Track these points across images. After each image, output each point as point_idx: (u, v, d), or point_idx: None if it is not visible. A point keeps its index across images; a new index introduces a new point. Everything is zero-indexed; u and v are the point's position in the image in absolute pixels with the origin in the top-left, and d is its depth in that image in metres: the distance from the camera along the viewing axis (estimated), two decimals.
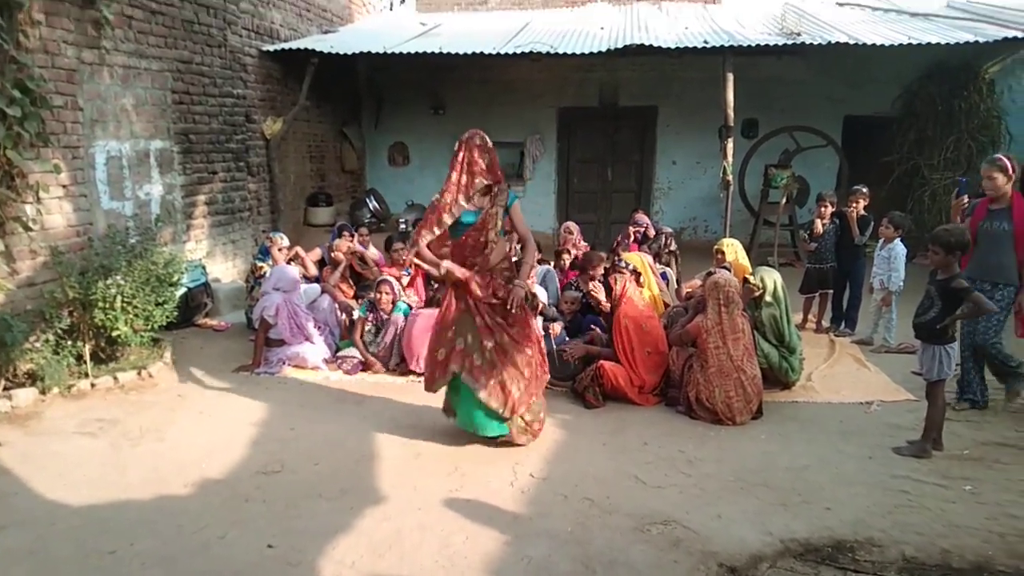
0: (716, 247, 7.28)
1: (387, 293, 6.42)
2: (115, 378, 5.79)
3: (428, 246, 4.52)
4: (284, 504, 3.99)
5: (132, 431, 4.98)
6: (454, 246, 4.58)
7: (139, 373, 5.94)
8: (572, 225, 8.89)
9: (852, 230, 7.23)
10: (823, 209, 7.45)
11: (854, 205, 7.26)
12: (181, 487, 4.20)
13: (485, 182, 4.44)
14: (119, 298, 5.78)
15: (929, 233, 4.81)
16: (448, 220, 4.44)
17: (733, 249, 7.20)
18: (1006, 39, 8.77)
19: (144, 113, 7.25)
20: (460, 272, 4.48)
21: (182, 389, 5.87)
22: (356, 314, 6.62)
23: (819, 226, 7.42)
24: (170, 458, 4.58)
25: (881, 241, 7.05)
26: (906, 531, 3.70)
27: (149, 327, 6.07)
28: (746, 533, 3.70)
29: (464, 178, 4.42)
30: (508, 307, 4.48)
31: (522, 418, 4.68)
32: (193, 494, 4.14)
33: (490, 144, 4.51)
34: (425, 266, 4.72)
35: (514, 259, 4.83)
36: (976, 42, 8.71)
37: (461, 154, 4.43)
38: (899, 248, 6.88)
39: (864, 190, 7.36)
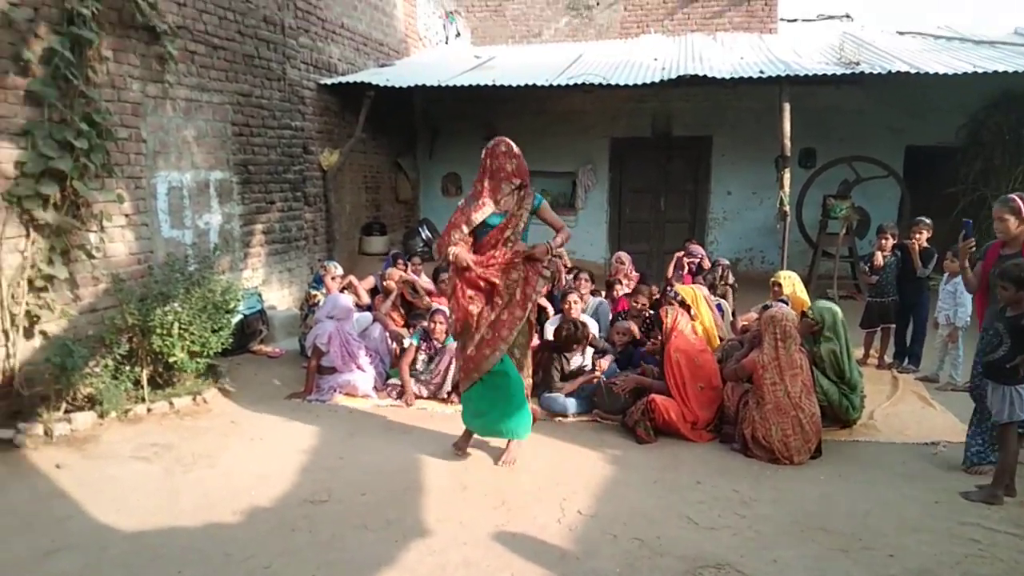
0: (773, 279, 7.14)
1: (441, 323, 6.43)
2: (171, 403, 5.88)
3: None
4: (330, 535, 3.97)
5: (185, 457, 5.04)
6: (476, 247, 4.79)
7: (194, 399, 6.03)
8: (624, 255, 8.82)
9: (915, 263, 7.00)
10: (884, 241, 7.24)
11: (917, 237, 7.04)
12: (231, 514, 4.22)
13: (513, 184, 4.66)
14: (176, 324, 5.89)
15: (999, 268, 4.61)
16: (477, 219, 4.67)
17: (791, 282, 7.04)
18: None
19: (205, 145, 7.45)
20: (467, 258, 4.69)
21: (235, 415, 5.93)
22: (407, 342, 6.63)
23: (879, 258, 7.21)
24: (221, 485, 4.62)
25: (946, 275, 6.80)
26: None
27: (205, 353, 6.16)
28: None
29: (490, 182, 4.66)
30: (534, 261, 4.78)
31: None
32: (242, 522, 4.15)
33: (516, 149, 4.72)
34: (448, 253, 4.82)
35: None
36: None
37: (488, 160, 4.67)
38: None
39: (927, 221, 7.14)
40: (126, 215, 6.37)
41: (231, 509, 4.26)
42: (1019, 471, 4.53)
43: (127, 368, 5.89)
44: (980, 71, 8.45)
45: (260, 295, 7.94)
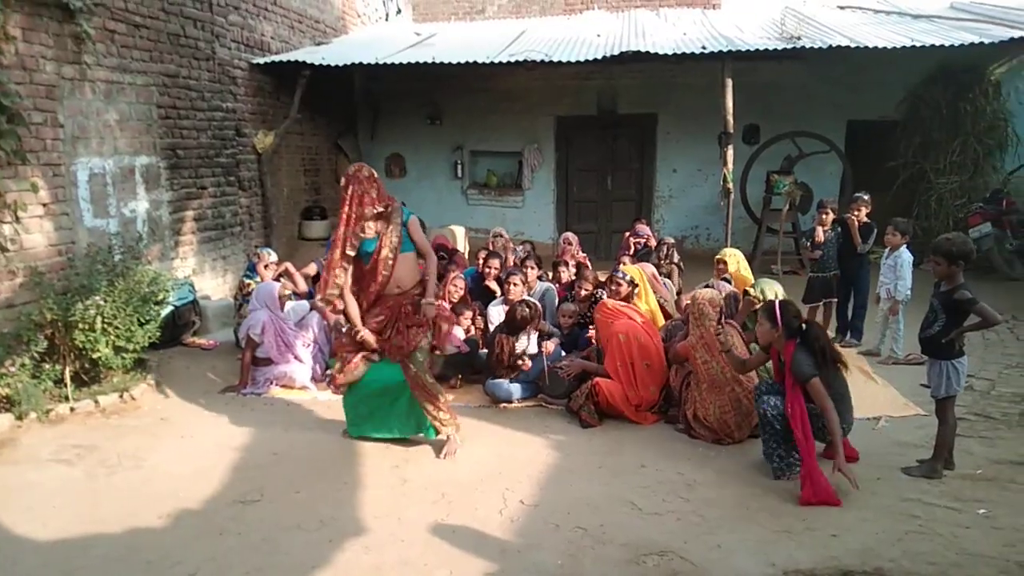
0: (718, 257, 7.10)
1: None
2: (96, 401, 5.61)
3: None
4: (260, 537, 3.79)
5: (110, 458, 4.79)
6: (363, 274, 4.75)
7: (121, 396, 5.76)
8: (571, 236, 8.71)
9: (854, 238, 7.02)
10: (824, 216, 7.25)
11: (856, 212, 7.06)
12: (155, 519, 4.01)
13: (377, 209, 4.59)
14: (99, 319, 5.61)
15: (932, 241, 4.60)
16: (351, 252, 4.63)
17: (736, 259, 7.02)
18: (1012, 40, 8.56)
19: (129, 129, 7.10)
20: (372, 340, 4.74)
21: (165, 412, 5.69)
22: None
23: (820, 234, 7.21)
24: (147, 487, 4.40)
25: (887, 249, 6.84)
26: (917, 560, 3.48)
27: (132, 348, 5.89)
28: (747, 565, 3.49)
29: (356, 210, 4.57)
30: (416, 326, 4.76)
31: None
32: (167, 527, 3.95)
33: (376, 175, 4.69)
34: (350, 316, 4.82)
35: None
36: (981, 43, 8.49)
37: (351, 188, 4.57)
38: (905, 255, 6.67)
39: (866, 197, 7.16)
40: (44, 204, 6.03)
41: (156, 513, 4.06)
42: (957, 444, 4.57)
43: (48, 366, 5.59)
44: (918, 45, 8.49)
45: (192, 285, 7.64)
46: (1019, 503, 4.03)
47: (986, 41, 8.49)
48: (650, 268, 7.29)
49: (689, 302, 5.40)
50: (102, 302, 5.67)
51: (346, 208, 4.57)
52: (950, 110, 10.45)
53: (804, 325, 4.43)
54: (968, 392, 5.59)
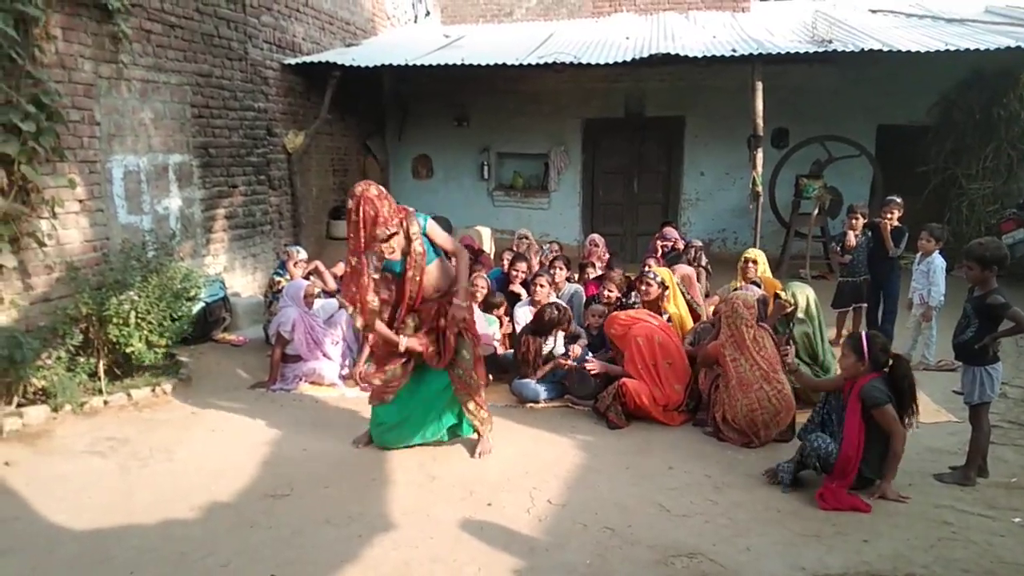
0: (746, 256, 7.04)
1: None
2: (129, 395, 5.70)
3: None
4: (290, 531, 3.83)
5: (142, 451, 4.86)
6: (395, 288, 4.58)
7: (153, 390, 5.84)
8: (597, 237, 8.71)
9: (886, 242, 6.95)
10: (854, 221, 7.19)
11: (888, 216, 6.98)
12: (187, 511, 4.06)
13: (390, 230, 4.35)
14: (133, 314, 5.69)
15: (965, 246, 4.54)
16: (376, 275, 4.42)
17: (763, 260, 6.97)
18: None
19: (163, 127, 7.20)
20: (419, 345, 4.60)
21: (196, 406, 5.75)
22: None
23: (852, 238, 7.15)
24: (178, 480, 4.45)
25: (919, 254, 6.76)
26: (950, 567, 3.44)
27: (164, 343, 5.97)
28: (776, 568, 3.47)
29: (370, 232, 4.29)
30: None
31: None
32: (199, 519, 3.99)
33: (384, 192, 4.41)
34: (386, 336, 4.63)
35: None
36: (1017, 47, 8.37)
37: (362, 210, 4.26)
38: (938, 261, 6.59)
39: (898, 200, 7.08)
40: (80, 201, 6.13)
41: (188, 505, 4.10)
42: (991, 451, 4.51)
43: (82, 359, 5.69)
44: (951, 48, 8.40)
45: (223, 282, 7.72)
46: None
47: (1023, 45, 8.37)
48: (686, 269, 7.26)
49: (721, 303, 5.37)
50: (136, 297, 5.75)
51: (361, 232, 4.28)
52: (983, 115, 10.30)
53: (892, 360, 4.28)
54: (1002, 399, 5.52)
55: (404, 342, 4.55)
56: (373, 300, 4.43)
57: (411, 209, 4.55)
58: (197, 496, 4.21)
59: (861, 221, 7.18)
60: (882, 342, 4.30)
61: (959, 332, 4.47)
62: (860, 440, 4.10)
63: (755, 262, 6.89)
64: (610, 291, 6.78)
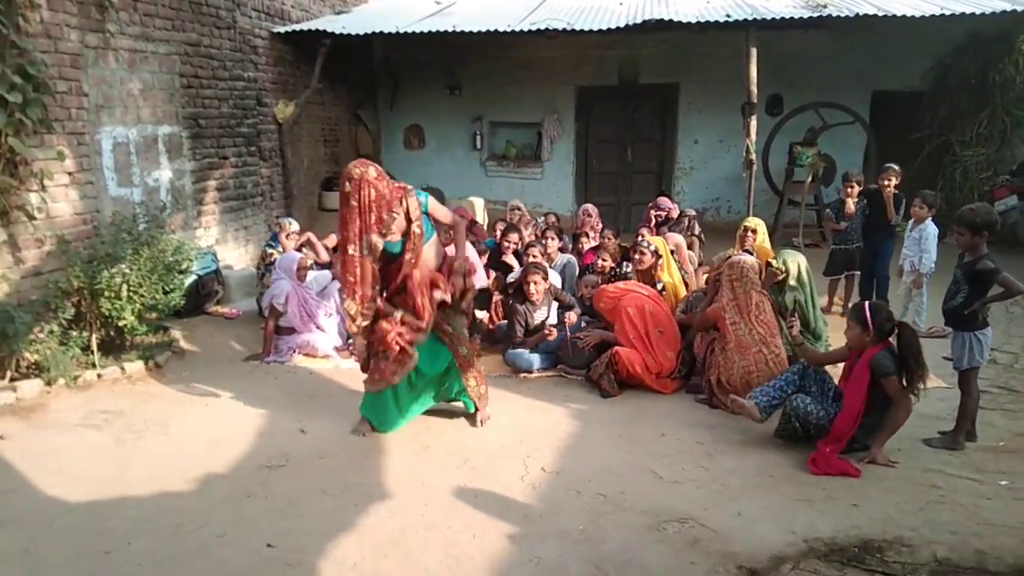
0: (746, 224, 7.01)
1: None
2: (122, 368, 5.70)
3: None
4: (286, 501, 3.86)
5: (137, 423, 4.88)
6: (387, 270, 4.41)
7: (146, 363, 5.84)
8: (591, 207, 8.70)
9: (888, 209, 6.90)
10: (850, 189, 7.16)
11: (887, 183, 6.94)
12: (183, 483, 4.09)
13: (394, 214, 4.19)
14: (125, 287, 5.66)
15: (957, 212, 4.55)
16: (377, 265, 4.26)
17: (762, 229, 6.95)
18: None
19: (152, 98, 7.12)
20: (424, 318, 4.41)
21: (190, 379, 5.76)
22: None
23: (851, 205, 7.10)
24: (174, 452, 4.48)
25: (912, 221, 6.77)
26: (938, 530, 3.49)
27: (157, 316, 5.96)
28: (768, 532, 3.52)
29: (368, 218, 4.12)
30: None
31: None
32: (194, 490, 4.02)
33: (382, 171, 4.24)
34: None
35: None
36: (1014, 11, 8.32)
37: (361, 194, 4.07)
38: (931, 228, 6.60)
39: (896, 168, 7.05)
40: (69, 173, 6.07)
41: (184, 477, 4.13)
42: (979, 416, 4.55)
43: (75, 333, 5.67)
44: (947, 13, 8.33)
45: (215, 254, 7.69)
46: None
47: (1019, 8, 8.31)
48: (677, 239, 7.26)
49: (725, 267, 5.33)
50: (128, 270, 5.72)
51: (362, 217, 4.10)
52: (978, 80, 10.25)
53: (897, 328, 4.29)
54: (991, 365, 5.56)
55: (398, 313, 4.37)
56: (371, 289, 4.26)
57: (408, 186, 4.39)
58: (192, 468, 4.23)
59: (857, 189, 7.16)
60: (886, 311, 4.32)
61: (949, 298, 4.49)
62: (862, 409, 4.14)
63: (754, 231, 6.86)
64: (604, 260, 6.79)
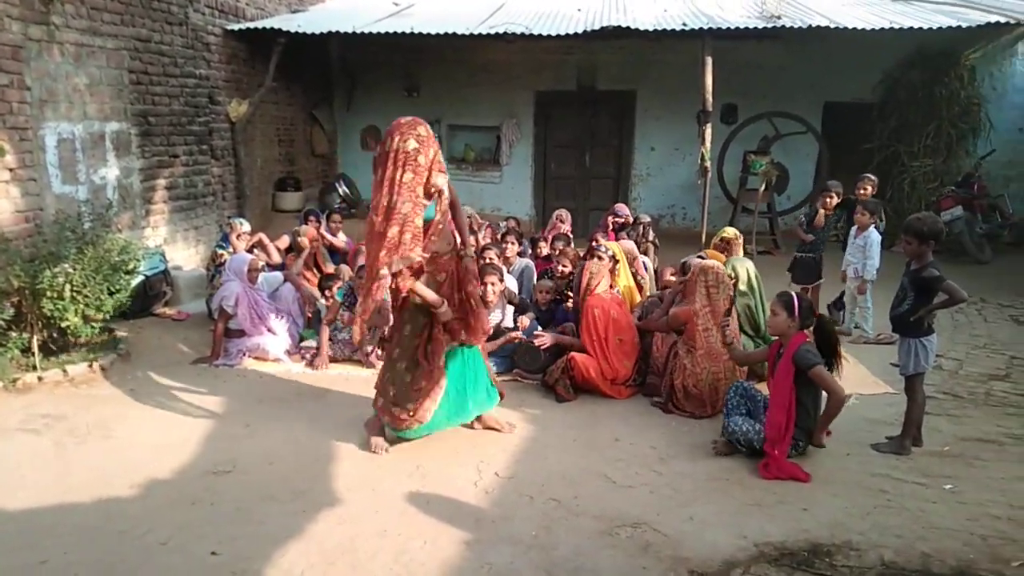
0: (722, 236, 6.98)
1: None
2: (64, 371, 5.52)
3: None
4: (233, 507, 3.77)
5: (79, 428, 4.72)
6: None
7: (91, 365, 5.67)
8: (564, 213, 8.67)
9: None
10: (828, 200, 7.12)
11: (863, 192, 7.06)
12: (126, 488, 3.97)
13: (438, 179, 4.04)
14: (68, 287, 5.50)
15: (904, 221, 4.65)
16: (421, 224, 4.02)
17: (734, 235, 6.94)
18: (988, 24, 8.64)
19: (99, 93, 6.93)
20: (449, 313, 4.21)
21: (135, 382, 5.61)
22: (321, 303, 6.40)
23: (822, 218, 7.16)
24: (117, 457, 4.35)
25: (855, 228, 6.89)
26: (885, 533, 3.55)
27: (102, 317, 5.79)
28: (719, 537, 3.53)
29: (433, 170, 4.02)
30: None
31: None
32: (138, 496, 3.91)
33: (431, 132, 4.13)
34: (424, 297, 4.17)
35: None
36: (958, 27, 8.56)
37: (430, 150, 3.98)
38: (874, 235, 6.73)
39: (872, 177, 7.19)
40: (10, 169, 5.89)
41: (127, 483, 4.01)
42: (925, 421, 4.64)
43: (14, 334, 5.49)
44: (896, 27, 8.53)
45: (163, 255, 7.52)
46: (984, 479, 4.12)
47: (963, 24, 8.56)
48: (629, 244, 7.29)
49: (700, 273, 5.29)
50: (71, 270, 5.56)
51: (415, 174, 3.91)
52: (925, 94, 10.52)
53: (817, 320, 4.44)
54: (937, 372, 5.69)
55: (444, 307, 4.17)
56: (416, 258, 3.99)
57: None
58: (136, 473, 4.11)
59: (835, 200, 7.16)
60: (808, 302, 4.45)
61: (896, 305, 4.58)
62: (791, 404, 4.20)
63: (731, 242, 6.78)
64: (564, 266, 6.76)
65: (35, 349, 5.56)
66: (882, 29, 8.54)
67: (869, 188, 7.10)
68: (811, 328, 4.41)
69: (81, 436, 4.62)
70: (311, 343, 6.25)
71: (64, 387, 5.41)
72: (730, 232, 6.80)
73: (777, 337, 4.48)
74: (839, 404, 4.21)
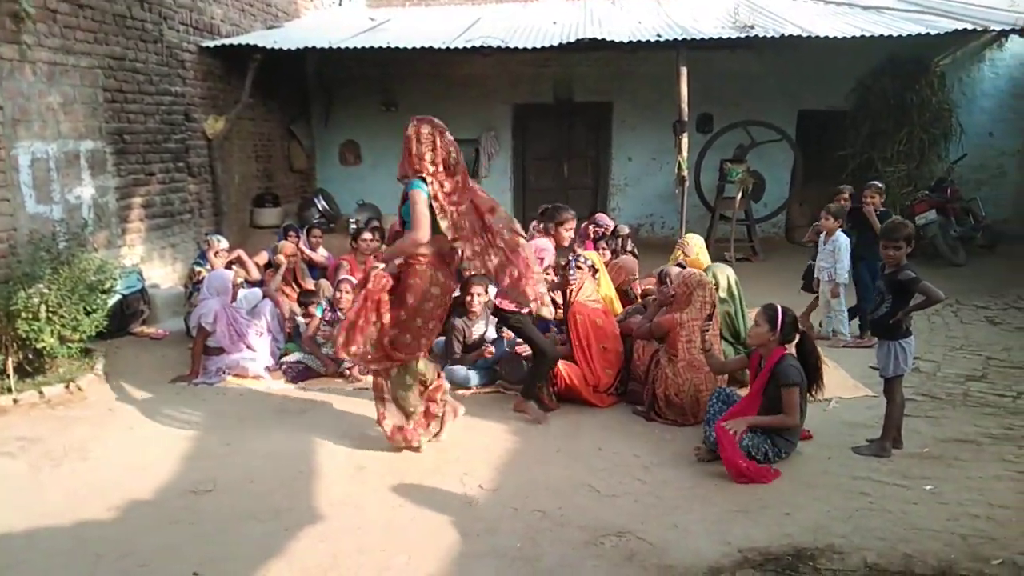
0: (683, 242, 7.08)
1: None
2: (41, 392, 5.44)
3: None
4: (214, 527, 3.72)
5: (55, 450, 4.65)
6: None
7: (67, 386, 5.59)
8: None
9: (874, 224, 6.67)
10: (870, 199, 6.92)
11: (870, 200, 6.90)
12: (103, 510, 3.91)
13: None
14: (44, 308, 5.43)
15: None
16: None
17: (696, 244, 7.02)
18: (956, 31, 8.79)
19: (73, 112, 6.87)
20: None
21: (113, 403, 5.54)
22: (300, 319, 6.36)
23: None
24: (94, 478, 4.28)
25: (823, 234, 6.92)
26: (867, 536, 3.57)
27: (78, 337, 5.72)
28: (703, 543, 3.53)
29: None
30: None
31: None
32: (116, 518, 3.85)
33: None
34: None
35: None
36: (927, 34, 8.71)
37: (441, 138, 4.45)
38: (842, 239, 6.77)
39: (879, 185, 7.04)
40: None
41: (104, 504, 3.96)
42: (905, 423, 4.68)
43: None
44: (867, 35, 8.67)
45: (140, 273, 7.44)
46: (963, 480, 4.15)
47: (932, 32, 8.71)
48: (631, 262, 7.34)
49: (696, 286, 5.28)
50: (46, 290, 5.49)
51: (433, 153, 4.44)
52: (897, 100, 10.69)
53: (800, 336, 4.47)
54: (915, 374, 5.73)
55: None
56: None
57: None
58: (114, 495, 4.06)
59: (878, 198, 6.93)
60: (792, 317, 4.47)
61: (874, 309, 4.63)
62: (757, 404, 4.27)
63: (688, 246, 6.91)
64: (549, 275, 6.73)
65: (10, 371, 5.48)
66: (853, 37, 8.69)
67: (877, 197, 6.90)
68: (793, 343, 4.43)
69: (57, 458, 4.55)
70: (292, 358, 6.19)
71: (40, 409, 5.33)
72: (693, 243, 6.89)
73: (756, 347, 4.51)
74: (783, 424, 4.27)
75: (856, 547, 3.47)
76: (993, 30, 9.07)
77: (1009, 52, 11.34)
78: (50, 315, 5.49)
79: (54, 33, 6.58)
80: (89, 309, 5.77)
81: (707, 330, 4.90)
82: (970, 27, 8.79)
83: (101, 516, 3.85)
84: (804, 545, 3.50)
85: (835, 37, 8.65)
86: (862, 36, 8.67)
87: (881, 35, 8.70)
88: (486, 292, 6.05)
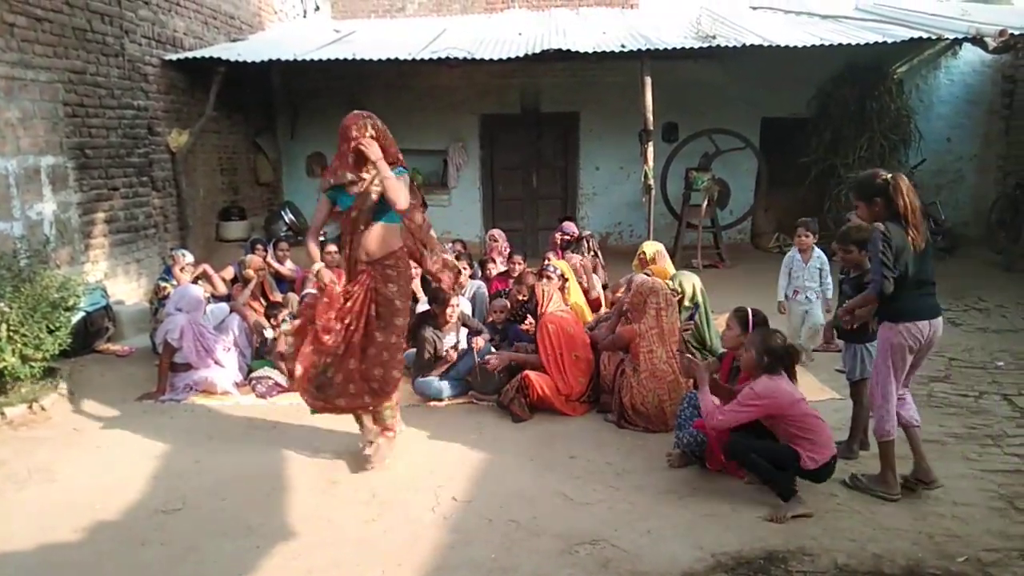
0: (641, 250, 7.16)
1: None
2: (2, 413, 5.31)
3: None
4: (184, 546, 3.67)
5: (19, 472, 4.56)
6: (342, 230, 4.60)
7: (30, 407, 5.47)
8: (497, 232, 8.74)
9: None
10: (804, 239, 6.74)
11: (804, 240, 6.78)
12: (71, 533, 3.84)
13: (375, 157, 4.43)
14: (4, 327, 5.33)
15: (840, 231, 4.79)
16: (325, 196, 4.66)
17: (654, 250, 7.08)
18: (911, 39, 9.01)
19: (33, 127, 6.76)
20: (328, 277, 4.45)
21: (78, 422, 5.44)
22: (268, 333, 6.31)
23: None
24: (60, 500, 4.20)
25: (795, 249, 6.63)
26: (837, 537, 3.62)
27: (41, 356, 5.61)
28: (677, 549, 3.56)
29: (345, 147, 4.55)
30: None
31: None
32: (83, 540, 3.78)
33: (387, 131, 4.65)
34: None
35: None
36: (884, 43, 8.91)
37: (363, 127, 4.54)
38: (824, 256, 6.47)
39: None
40: None
41: (71, 527, 3.88)
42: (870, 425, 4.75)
43: None
44: (826, 43, 8.84)
45: (104, 290, 7.32)
46: None
47: (889, 40, 8.91)
48: (575, 259, 7.36)
49: (649, 294, 5.30)
50: (7, 309, 5.39)
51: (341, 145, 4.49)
52: (857, 107, 10.91)
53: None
54: None
55: (317, 265, 4.50)
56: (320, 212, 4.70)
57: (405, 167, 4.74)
58: (81, 516, 3.98)
59: (812, 239, 6.63)
60: (762, 318, 4.55)
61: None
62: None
63: (645, 253, 6.97)
64: (522, 295, 6.65)
65: None
66: (813, 46, 8.85)
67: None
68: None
69: (21, 481, 4.45)
70: (261, 373, 6.13)
71: (2, 430, 5.21)
72: (649, 250, 6.88)
73: (729, 350, 4.56)
74: None
75: (826, 548, 3.53)
76: (947, 38, 9.31)
77: (963, 60, 11.64)
78: (11, 334, 5.38)
79: (12, 47, 6.48)
80: (52, 327, 5.67)
81: (688, 330, 4.94)
82: (925, 36, 9.01)
83: (68, 538, 3.78)
84: (776, 548, 3.55)
85: (795, 46, 8.81)
86: (821, 44, 8.84)
87: (840, 43, 8.88)
88: (458, 304, 6.05)
